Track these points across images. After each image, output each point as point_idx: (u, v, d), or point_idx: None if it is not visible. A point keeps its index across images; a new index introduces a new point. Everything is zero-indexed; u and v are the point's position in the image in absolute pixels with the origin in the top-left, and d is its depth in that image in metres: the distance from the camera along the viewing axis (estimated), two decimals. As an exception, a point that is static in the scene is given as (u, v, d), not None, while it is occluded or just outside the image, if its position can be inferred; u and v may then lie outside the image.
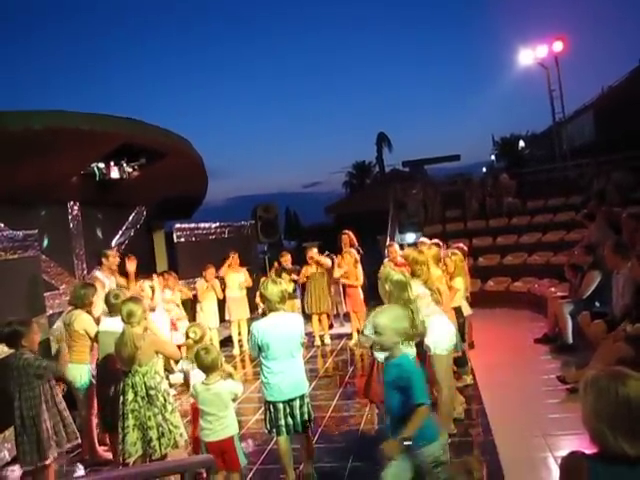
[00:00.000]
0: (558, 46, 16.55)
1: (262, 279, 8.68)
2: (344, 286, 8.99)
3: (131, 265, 6.90)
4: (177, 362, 4.77)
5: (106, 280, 6.57)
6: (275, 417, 4.02)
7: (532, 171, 17.86)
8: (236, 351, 8.87)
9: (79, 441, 4.57)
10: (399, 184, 16.47)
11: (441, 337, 4.50)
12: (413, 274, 4.50)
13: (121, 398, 4.04)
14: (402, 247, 8.77)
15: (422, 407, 2.87)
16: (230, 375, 4.11)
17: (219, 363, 3.92)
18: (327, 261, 8.95)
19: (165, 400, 4.06)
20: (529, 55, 17.48)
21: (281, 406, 4.00)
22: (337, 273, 8.73)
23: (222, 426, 3.81)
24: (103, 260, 6.86)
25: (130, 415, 3.94)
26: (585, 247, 7.37)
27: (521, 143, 33.19)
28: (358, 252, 8.92)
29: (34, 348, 4.23)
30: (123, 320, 4.10)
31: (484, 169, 31.59)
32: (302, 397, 4.07)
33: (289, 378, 3.99)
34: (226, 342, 8.99)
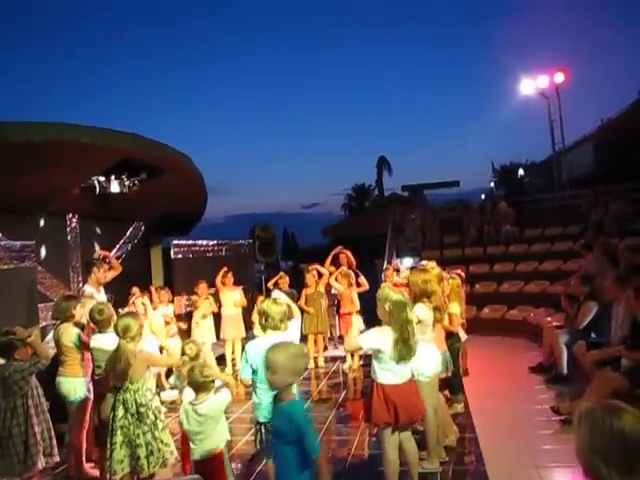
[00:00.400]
0: (559, 77, 16.73)
1: (260, 298, 8.72)
2: (338, 309, 8.96)
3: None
4: (169, 376, 4.71)
5: (95, 294, 6.18)
6: (266, 438, 3.95)
7: (531, 200, 17.91)
8: (229, 370, 8.80)
9: (56, 459, 4.46)
10: (398, 208, 16.53)
11: (424, 364, 4.47)
12: (422, 295, 4.51)
13: (111, 414, 3.99)
14: (398, 271, 8.73)
15: (319, 460, 2.74)
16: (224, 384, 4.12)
17: (211, 386, 3.85)
18: (338, 285, 8.88)
19: (156, 418, 4.01)
20: (530, 85, 17.65)
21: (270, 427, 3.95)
22: (333, 283, 8.67)
23: (210, 442, 3.76)
24: (94, 270, 6.32)
25: (119, 431, 3.89)
26: (581, 277, 7.36)
27: (520, 171, 33.39)
28: (356, 274, 8.90)
29: (25, 360, 4.23)
30: (118, 335, 4.05)
31: (483, 196, 31.73)
32: None
33: None
34: (219, 360, 8.91)
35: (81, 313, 5.22)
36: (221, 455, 3.83)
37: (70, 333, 4.96)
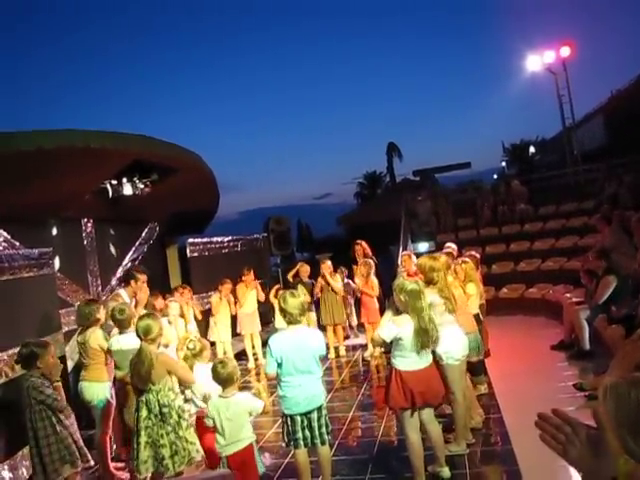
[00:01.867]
0: (565, 51, 16.48)
1: (276, 286, 8.74)
2: (359, 297, 8.96)
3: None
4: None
5: (127, 301, 6.11)
6: (293, 430, 4.00)
7: (544, 177, 17.78)
8: (251, 364, 8.85)
9: (91, 463, 4.45)
10: (410, 193, 16.47)
11: (452, 347, 4.49)
12: (428, 282, 4.49)
13: (135, 415, 4.03)
14: (417, 256, 8.74)
15: None
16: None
17: (235, 377, 3.91)
18: (337, 284, 8.90)
19: (179, 417, 4.04)
20: (537, 61, 17.41)
21: (299, 419, 3.98)
22: (359, 284, 8.71)
23: (241, 437, 3.80)
24: (132, 282, 6.13)
25: (143, 432, 3.93)
26: (598, 252, 7.30)
27: (531, 149, 33.10)
28: (374, 262, 8.90)
29: (49, 370, 4.20)
30: (139, 336, 4.07)
31: (495, 176, 31.48)
32: (320, 409, 4.04)
33: (306, 391, 3.96)
34: (240, 356, 8.97)
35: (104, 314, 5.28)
36: (251, 448, 3.88)
37: (98, 336, 4.99)
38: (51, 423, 4.07)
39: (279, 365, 3.96)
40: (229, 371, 3.85)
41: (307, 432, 4.01)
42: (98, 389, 4.97)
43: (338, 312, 8.88)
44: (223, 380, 3.85)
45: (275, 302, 8.71)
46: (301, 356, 3.95)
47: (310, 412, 3.99)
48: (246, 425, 3.87)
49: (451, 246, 7.37)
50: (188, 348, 4.52)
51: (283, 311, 4.02)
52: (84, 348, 5.05)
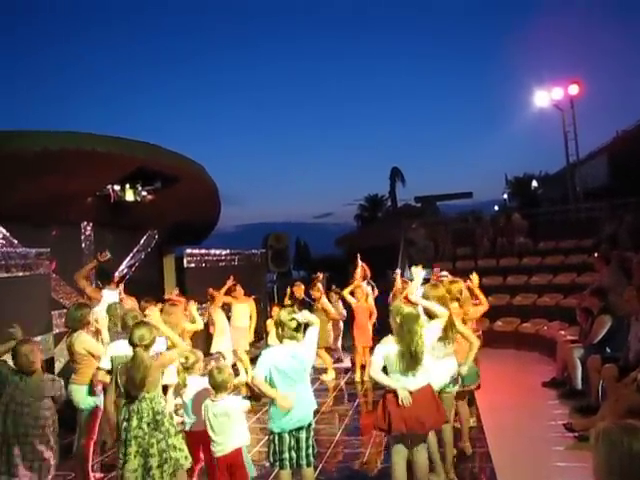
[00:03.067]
0: (574, 89, 16.65)
1: (275, 309, 8.68)
2: (353, 320, 8.85)
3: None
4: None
5: (115, 297, 6.30)
6: (279, 449, 3.97)
7: (545, 212, 17.83)
8: (245, 378, 8.73)
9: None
10: (410, 219, 16.49)
11: (437, 377, 4.46)
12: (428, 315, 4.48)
13: (124, 424, 3.93)
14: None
15: None
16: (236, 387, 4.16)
17: (229, 384, 4.06)
18: (332, 310, 8.84)
19: (170, 424, 3.99)
20: (544, 97, 17.60)
21: (287, 438, 3.95)
22: (357, 302, 8.64)
23: (230, 440, 3.93)
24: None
25: (133, 442, 3.85)
26: (594, 291, 7.27)
27: (534, 183, 33.21)
28: (372, 287, 8.86)
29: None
30: (132, 343, 4.00)
31: (496, 207, 31.59)
32: (309, 427, 4.02)
33: (298, 407, 3.94)
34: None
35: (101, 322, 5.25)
36: (241, 452, 3.99)
37: (83, 340, 4.97)
38: (48, 422, 4.07)
39: (270, 380, 3.94)
40: (224, 377, 4.01)
41: (293, 453, 3.97)
42: (84, 392, 4.93)
43: (322, 336, 8.72)
44: (217, 385, 4.01)
45: (272, 327, 8.80)
46: (293, 367, 3.96)
47: (299, 430, 3.96)
48: (238, 429, 3.98)
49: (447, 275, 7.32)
50: (180, 362, 4.48)
51: (281, 324, 4.04)
52: (70, 352, 5.03)
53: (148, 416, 3.88)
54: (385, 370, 4.07)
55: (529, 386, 7.44)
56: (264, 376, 3.96)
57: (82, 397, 4.93)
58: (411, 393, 3.97)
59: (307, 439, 4.00)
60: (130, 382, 3.91)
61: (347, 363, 9.50)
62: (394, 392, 3.99)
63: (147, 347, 4.02)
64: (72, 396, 4.93)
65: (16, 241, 6.33)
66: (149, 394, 3.92)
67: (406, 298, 4.61)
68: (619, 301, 7.03)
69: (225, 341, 8.40)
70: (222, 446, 3.94)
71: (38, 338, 5.46)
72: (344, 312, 9.54)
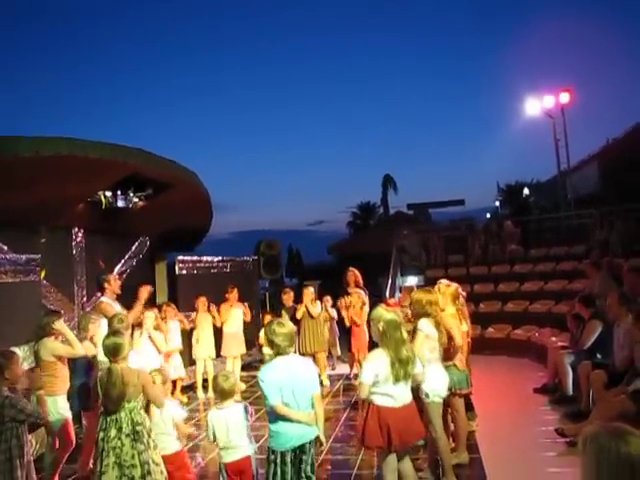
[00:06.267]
0: (565, 97, 16.81)
1: (267, 319, 8.70)
2: (350, 326, 8.75)
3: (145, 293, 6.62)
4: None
5: (114, 305, 6.18)
6: (282, 470, 3.66)
7: (536, 219, 17.92)
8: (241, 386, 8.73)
9: None
10: (403, 227, 16.54)
11: (438, 384, 4.49)
12: (425, 315, 4.52)
13: (101, 434, 3.82)
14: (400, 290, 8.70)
15: None
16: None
17: (234, 391, 4.06)
18: (316, 310, 8.87)
19: (149, 436, 3.93)
20: (535, 105, 17.75)
21: (289, 457, 3.67)
22: (346, 318, 8.63)
23: (239, 446, 3.89)
24: (105, 285, 6.26)
25: (111, 452, 3.75)
26: (583, 298, 7.29)
27: (525, 190, 33.37)
28: (365, 292, 8.86)
29: (16, 381, 4.02)
30: (107, 356, 3.95)
31: (488, 215, 31.72)
32: (311, 444, 3.76)
33: (301, 424, 3.70)
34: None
35: (95, 330, 5.20)
36: (250, 459, 3.94)
37: (47, 346, 4.83)
38: (24, 441, 3.83)
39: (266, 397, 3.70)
40: (230, 385, 3.99)
41: (294, 476, 3.71)
42: (52, 403, 4.81)
43: (319, 340, 8.78)
44: (222, 392, 3.98)
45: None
46: (297, 385, 3.70)
47: (302, 447, 3.70)
48: (244, 435, 3.94)
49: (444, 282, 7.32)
50: None
51: (271, 342, 3.79)
52: (37, 359, 4.91)
53: (127, 427, 3.80)
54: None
55: (521, 392, 7.47)
56: (279, 397, 3.66)
57: (50, 408, 4.77)
58: (398, 409, 3.91)
59: (311, 464, 3.74)
60: (107, 398, 3.83)
61: (341, 370, 9.48)
62: (378, 406, 3.91)
63: (124, 359, 3.98)
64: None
65: (6, 247, 6.30)
66: (129, 404, 3.85)
67: (387, 303, 4.59)
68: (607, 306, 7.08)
69: (206, 348, 8.42)
70: (230, 452, 3.89)
71: (27, 346, 5.40)
72: (334, 314, 9.51)
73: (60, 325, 4.82)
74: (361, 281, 9.01)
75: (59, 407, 4.84)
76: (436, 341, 4.53)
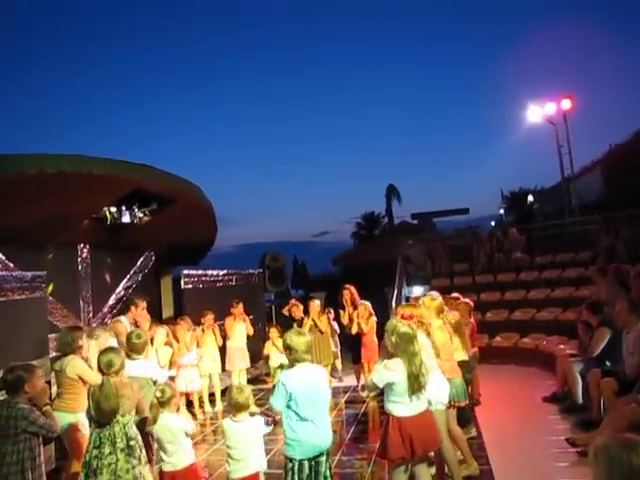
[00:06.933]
0: (566, 104, 16.83)
1: (272, 331, 8.71)
2: (359, 337, 8.71)
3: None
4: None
5: (128, 327, 6.23)
6: (299, 478, 3.70)
7: (541, 226, 17.89)
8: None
9: None
10: (407, 237, 16.52)
11: (439, 392, 4.48)
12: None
13: (94, 452, 3.76)
14: (407, 300, 8.69)
15: None
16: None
17: (250, 403, 4.01)
18: (324, 327, 8.85)
19: (141, 451, 3.91)
20: (537, 112, 17.77)
21: (307, 465, 3.72)
22: (353, 329, 8.63)
23: (248, 462, 3.86)
24: (132, 308, 6.40)
25: (105, 470, 3.70)
26: (590, 305, 7.24)
27: (530, 198, 33.34)
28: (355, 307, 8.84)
29: (36, 395, 4.00)
30: (101, 370, 3.95)
31: (493, 223, 31.70)
32: (327, 453, 3.84)
33: (319, 431, 3.76)
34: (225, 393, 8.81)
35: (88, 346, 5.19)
36: (258, 477, 3.93)
37: (76, 365, 4.85)
38: (37, 453, 3.82)
39: (288, 405, 3.76)
40: (245, 397, 3.97)
41: None
42: (71, 420, 4.78)
43: (325, 353, 8.76)
44: (237, 405, 3.96)
45: (270, 348, 8.85)
46: (313, 393, 3.78)
47: (319, 456, 3.77)
48: (256, 451, 3.92)
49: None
50: (156, 395, 4.26)
51: (289, 348, 3.87)
52: (59, 376, 4.90)
53: (122, 441, 3.77)
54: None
55: (530, 401, 7.40)
56: (284, 403, 3.75)
57: (64, 425, 4.68)
58: (415, 417, 3.93)
59: (326, 469, 3.80)
60: (99, 410, 3.79)
61: (347, 382, 9.44)
62: (398, 417, 3.91)
63: (116, 373, 3.97)
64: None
65: (12, 264, 6.32)
66: (123, 418, 3.82)
67: (402, 316, 4.58)
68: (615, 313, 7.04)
69: (211, 364, 8.41)
70: (240, 468, 3.85)
71: (35, 362, 5.39)
72: (336, 327, 9.52)
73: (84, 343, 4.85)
74: (358, 298, 8.96)
75: (80, 424, 4.80)
76: (432, 349, 4.52)
